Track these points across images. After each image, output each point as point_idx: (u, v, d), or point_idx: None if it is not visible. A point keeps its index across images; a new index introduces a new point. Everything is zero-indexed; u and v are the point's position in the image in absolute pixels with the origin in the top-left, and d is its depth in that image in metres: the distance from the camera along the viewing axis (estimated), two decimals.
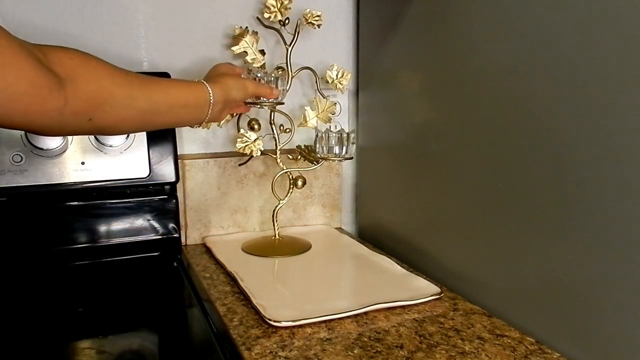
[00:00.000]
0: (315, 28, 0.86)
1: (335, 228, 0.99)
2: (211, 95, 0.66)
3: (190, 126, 0.75)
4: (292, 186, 0.88)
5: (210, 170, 0.90)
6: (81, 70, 0.53)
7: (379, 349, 0.55)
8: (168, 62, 0.86)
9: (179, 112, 0.64)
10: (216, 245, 0.86)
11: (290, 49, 0.85)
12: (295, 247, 0.86)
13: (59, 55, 0.52)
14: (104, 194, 0.80)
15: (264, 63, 0.85)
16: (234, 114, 0.85)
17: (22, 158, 0.74)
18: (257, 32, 0.85)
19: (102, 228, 0.80)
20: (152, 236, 0.83)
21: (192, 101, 0.65)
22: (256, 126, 0.88)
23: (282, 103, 0.81)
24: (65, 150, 0.76)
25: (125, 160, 0.79)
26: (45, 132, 0.54)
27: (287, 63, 0.85)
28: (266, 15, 0.84)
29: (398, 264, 0.78)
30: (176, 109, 0.63)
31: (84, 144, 0.77)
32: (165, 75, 0.81)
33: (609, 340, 0.51)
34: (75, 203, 0.79)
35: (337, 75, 0.87)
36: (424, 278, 0.72)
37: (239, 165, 0.91)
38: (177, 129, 0.84)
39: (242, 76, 0.75)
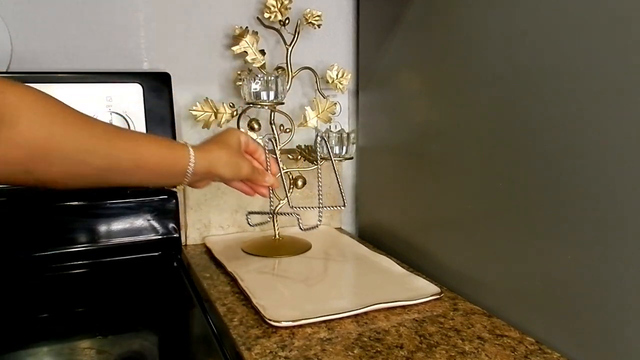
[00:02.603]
0: (315, 28, 0.86)
1: (335, 228, 0.99)
2: (191, 163, 0.56)
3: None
4: (292, 186, 0.88)
5: None
6: (25, 111, 0.43)
7: (379, 349, 0.55)
8: (168, 62, 0.86)
9: (147, 175, 0.53)
10: (216, 245, 0.86)
11: (290, 49, 0.85)
12: (295, 247, 0.86)
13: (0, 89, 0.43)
14: (104, 194, 0.80)
15: (264, 63, 0.85)
16: (234, 114, 0.85)
17: None
18: (257, 32, 0.85)
19: (102, 228, 0.80)
20: (152, 236, 0.83)
21: (165, 166, 0.54)
22: (256, 126, 0.88)
23: (282, 103, 0.81)
24: None
25: None
26: None
27: (287, 63, 0.85)
28: (266, 15, 0.84)
29: (398, 264, 0.78)
30: (144, 171, 0.53)
31: None
32: (165, 75, 0.81)
33: (609, 340, 0.51)
34: (75, 203, 0.79)
35: (337, 75, 0.87)
36: (424, 278, 0.72)
37: None
38: (177, 129, 0.84)
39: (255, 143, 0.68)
